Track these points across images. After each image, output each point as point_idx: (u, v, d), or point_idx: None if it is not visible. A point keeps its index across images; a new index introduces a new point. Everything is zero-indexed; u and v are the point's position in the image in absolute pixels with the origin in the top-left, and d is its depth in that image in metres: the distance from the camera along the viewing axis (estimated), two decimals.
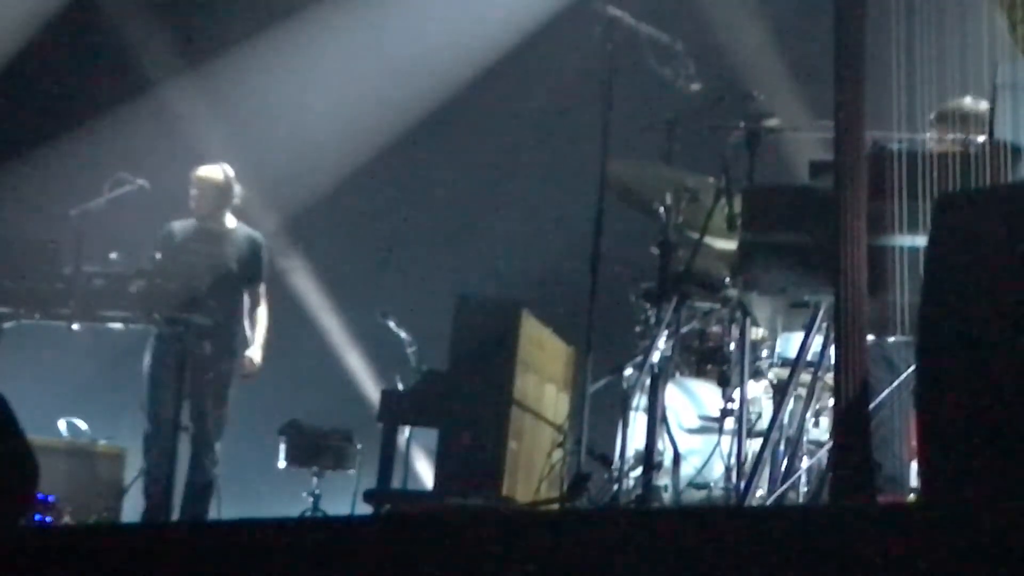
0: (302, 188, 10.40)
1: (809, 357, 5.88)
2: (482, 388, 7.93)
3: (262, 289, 8.58)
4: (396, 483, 8.17)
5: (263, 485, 9.53)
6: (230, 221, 8.57)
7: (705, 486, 6.61)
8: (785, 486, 5.84)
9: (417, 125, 10.36)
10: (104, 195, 8.06)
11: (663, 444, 6.51)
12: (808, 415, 6.09)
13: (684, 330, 6.81)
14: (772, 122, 6.51)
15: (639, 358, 6.66)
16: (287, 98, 10.51)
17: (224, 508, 8.21)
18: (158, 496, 7.94)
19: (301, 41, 10.47)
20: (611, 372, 6.96)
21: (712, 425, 6.67)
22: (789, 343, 6.50)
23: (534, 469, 7.98)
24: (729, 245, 6.37)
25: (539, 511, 6.84)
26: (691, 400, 6.97)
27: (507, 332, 8.04)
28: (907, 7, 5.12)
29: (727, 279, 6.28)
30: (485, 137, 10.30)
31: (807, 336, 5.83)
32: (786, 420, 6.06)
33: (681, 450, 6.55)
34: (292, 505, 8.84)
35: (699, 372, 7.12)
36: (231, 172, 8.57)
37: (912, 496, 5.68)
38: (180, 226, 8.51)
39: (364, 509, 7.95)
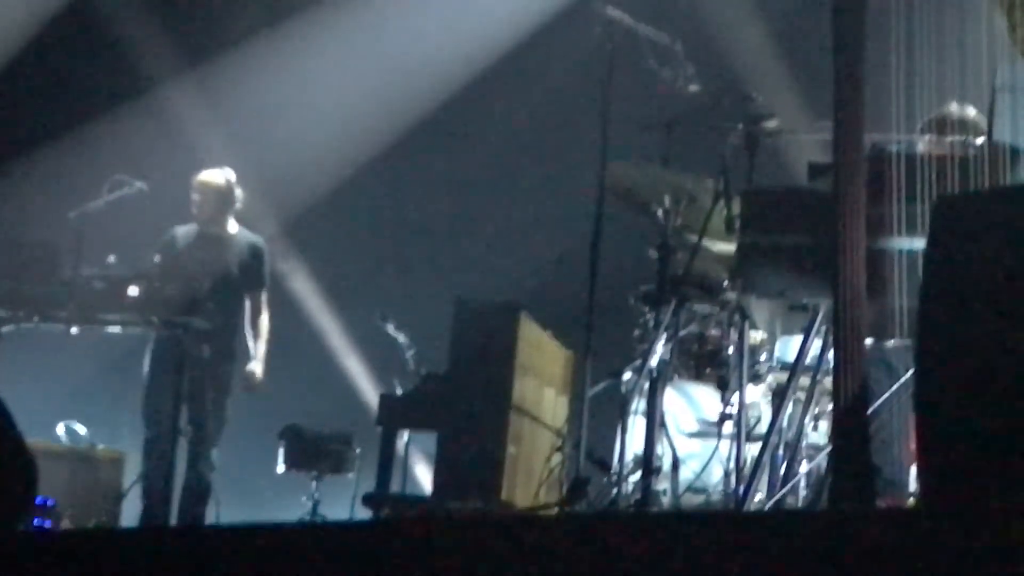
0: (302, 189, 10.40)
1: (808, 360, 5.86)
2: (481, 392, 7.91)
3: (264, 296, 8.57)
4: (395, 487, 8.13)
5: (262, 489, 9.53)
6: (232, 226, 8.58)
7: (704, 490, 6.59)
8: (784, 490, 5.82)
9: (417, 125, 10.36)
10: (103, 197, 8.05)
11: (662, 448, 6.49)
12: (807, 419, 6.08)
13: (683, 333, 6.79)
14: (771, 124, 6.49)
15: (638, 362, 6.64)
16: (287, 98, 10.51)
17: (223, 512, 8.21)
18: (156, 500, 7.94)
19: (301, 41, 10.47)
20: (610, 376, 6.94)
21: (711, 429, 6.66)
22: (788, 346, 6.48)
23: (533, 473, 7.96)
24: (728, 247, 6.35)
25: (538, 515, 6.82)
26: (690, 404, 6.95)
27: (506, 335, 8.02)
28: (907, 8, 5.11)
29: (726, 282, 6.26)
30: (484, 139, 10.29)
31: (806, 339, 5.81)
32: (785, 424, 6.04)
33: (680, 454, 6.54)
34: (291, 509, 8.83)
35: (698, 376, 7.09)
36: (233, 177, 8.57)
37: (911, 500, 5.67)
38: (183, 231, 8.53)
39: (363, 513, 7.92)
